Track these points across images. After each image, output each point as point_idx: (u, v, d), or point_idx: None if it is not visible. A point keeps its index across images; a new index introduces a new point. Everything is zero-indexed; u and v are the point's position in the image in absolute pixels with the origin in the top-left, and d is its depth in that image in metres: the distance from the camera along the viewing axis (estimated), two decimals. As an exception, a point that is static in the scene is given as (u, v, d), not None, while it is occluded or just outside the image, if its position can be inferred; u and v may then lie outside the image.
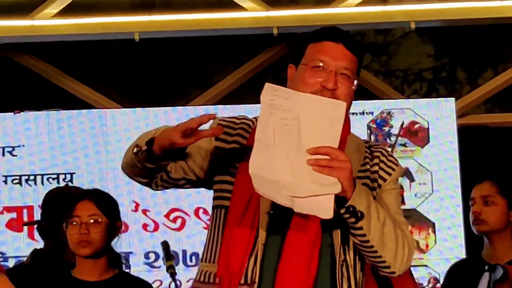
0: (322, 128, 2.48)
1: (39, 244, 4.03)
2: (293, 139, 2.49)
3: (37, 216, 4.96)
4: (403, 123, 5.25)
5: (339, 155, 2.41)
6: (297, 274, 2.59)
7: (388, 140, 5.20)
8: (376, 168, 2.69)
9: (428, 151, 5.13)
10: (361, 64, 2.61)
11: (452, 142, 5.28)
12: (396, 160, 2.75)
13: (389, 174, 2.69)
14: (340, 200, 2.45)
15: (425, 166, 4.96)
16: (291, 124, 2.51)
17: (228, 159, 2.71)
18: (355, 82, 2.54)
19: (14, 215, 5.21)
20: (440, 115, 5.25)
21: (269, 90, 2.46)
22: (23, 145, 5.43)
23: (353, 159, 2.60)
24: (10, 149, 5.40)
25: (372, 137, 5.25)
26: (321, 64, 2.48)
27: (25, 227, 5.24)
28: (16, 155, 5.36)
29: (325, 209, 2.43)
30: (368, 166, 2.71)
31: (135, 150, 2.64)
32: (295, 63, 2.57)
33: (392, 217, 2.64)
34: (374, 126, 5.27)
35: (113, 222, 3.40)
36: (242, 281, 2.59)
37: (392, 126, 5.22)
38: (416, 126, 5.17)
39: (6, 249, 5.27)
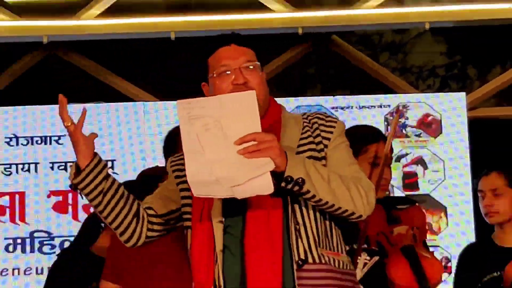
0: (241, 120, 2.56)
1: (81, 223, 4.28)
2: (219, 139, 2.56)
3: (80, 199, 5.29)
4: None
5: (264, 137, 2.50)
6: (264, 258, 2.66)
7: (403, 131, 5.26)
8: (317, 132, 2.74)
9: (440, 141, 5.23)
10: (255, 52, 2.68)
11: (463, 133, 5.40)
12: (334, 118, 2.82)
13: (331, 132, 2.75)
14: (279, 176, 2.53)
15: (438, 155, 5.00)
16: (213, 127, 2.58)
17: (185, 186, 2.77)
18: (261, 71, 2.64)
19: (60, 198, 5.31)
20: (452, 108, 5.36)
21: (183, 106, 2.55)
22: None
23: (293, 133, 2.74)
24: (56, 138, 5.52)
25: (389, 128, 5.25)
26: (224, 68, 2.57)
27: (70, 209, 5.39)
28: (62, 143, 5.47)
29: (265, 186, 2.51)
30: (309, 134, 2.76)
31: (74, 183, 2.64)
32: (206, 81, 2.66)
33: (339, 172, 2.73)
34: (391, 118, 5.32)
35: None
36: None
37: (407, 118, 5.30)
38: (430, 118, 5.30)
39: (52, 229, 5.39)
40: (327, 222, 2.68)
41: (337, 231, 2.74)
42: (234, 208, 2.60)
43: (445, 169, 5.20)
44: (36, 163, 5.46)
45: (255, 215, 2.61)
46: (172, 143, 3.85)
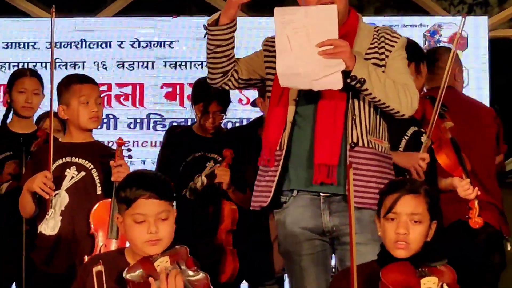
0: (323, 27, 2.76)
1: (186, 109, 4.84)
2: (304, 41, 2.77)
3: (187, 91, 5.46)
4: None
5: (340, 43, 2.71)
6: (328, 137, 2.93)
7: (437, 45, 5.33)
8: (383, 44, 2.92)
9: (466, 54, 5.37)
10: None
11: (484, 49, 5.57)
12: (398, 34, 3.00)
13: (393, 46, 2.92)
14: (347, 74, 2.74)
15: (464, 65, 4.94)
16: (300, 31, 2.79)
17: (270, 65, 3.00)
18: None
19: (170, 89, 5.62)
20: (476, 28, 5.52)
21: (278, 12, 2.80)
22: (178, 40, 5.68)
23: (364, 42, 2.92)
24: (169, 42, 5.69)
25: (426, 43, 5.46)
26: None
27: (178, 98, 5.65)
28: (173, 47, 5.68)
29: (336, 82, 2.76)
30: (376, 44, 2.94)
31: (208, 24, 2.93)
32: None
33: (394, 78, 2.89)
34: (428, 35, 5.48)
35: None
36: (278, 148, 2.94)
37: (441, 35, 5.44)
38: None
39: (164, 113, 5.65)
40: (377, 116, 2.95)
41: (384, 124, 2.99)
42: (309, 95, 2.88)
43: (468, 77, 5.22)
44: (153, 62, 5.66)
45: (325, 104, 2.86)
46: (199, 91, 4.00)
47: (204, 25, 2.97)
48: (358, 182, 2.85)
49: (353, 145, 2.92)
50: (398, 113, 2.93)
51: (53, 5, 3.35)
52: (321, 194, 2.90)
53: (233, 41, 2.99)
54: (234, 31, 2.98)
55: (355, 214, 2.60)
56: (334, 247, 2.99)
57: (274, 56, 2.84)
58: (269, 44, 2.96)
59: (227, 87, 3.15)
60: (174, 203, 2.53)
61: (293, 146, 2.96)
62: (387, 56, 2.93)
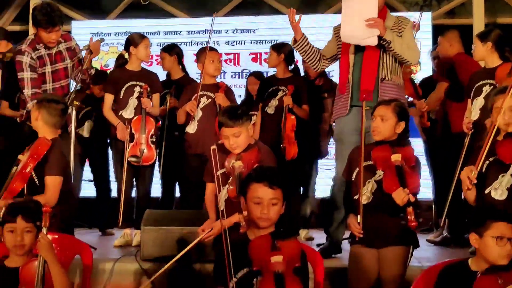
0: (369, 10, 3.98)
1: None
2: (358, 16, 3.98)
3: (264, 56, 7.04)
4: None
5: (378, 19, 3.94)
6: (370, 73, 4.18)
7: None
8: (400, 25, 4.21)
9: (419, 36, 5.48)
10: None
11: (428, 33, 6.69)
12: (408, 20, 4.23)
13: (405, 27, 4.20)
14: (380, 38, 4.00)
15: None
16: (357, 10, 4.00)
17: (339, 39, 4.24)
18: None
19: (254, 56, 7.25)
20: (424, 19, 5.96)
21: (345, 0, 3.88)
22: (258, 28, 7.16)
23: (389, 22, 4.20)
24: (253, 30, 7.29)
25: None
26: None
27: (258, 61, 7.21)
28: (255, 33, 7.30)
29: (374, 41, 4.05)
30: (396, 25, 4.21)
31: (292, 45, 4.33)
32: None
33: (407, 42, 4.10)
34: None
35: None
36: (347, 82, 4.22)
37: None
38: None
39: (252, 69, 6.94)
40: (397, 64, 4.26)
41: (400, 68, 4.26)
42: (359, 49, 4.20)
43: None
44: (244, 41, 7.30)
45: (367, 54, 4.24)
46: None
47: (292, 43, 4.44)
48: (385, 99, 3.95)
49: (382, 80, 4.22)
50: (408, 62, 4.26)
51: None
52: (363, 107, 3.89)
53: (309, 44, 4.40)
54: (307, 39, 4.35)
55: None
56: None
57: (340, 35, 4.19)
58: (336, 29, 4.35)
59: (324, 68, 4.60)
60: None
61: (352, 80, 4.23)
62: (402, 31, 4.21)
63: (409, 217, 3.45)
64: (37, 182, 4.12)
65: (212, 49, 5.30)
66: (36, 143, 4.15)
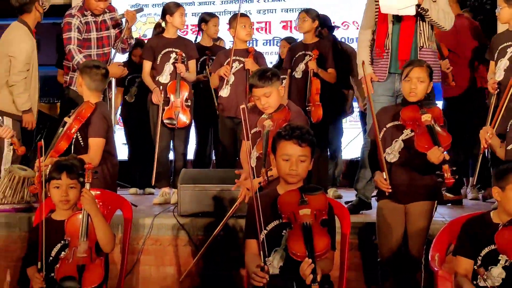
0: None
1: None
2: None
3: (293, 23, 7.22)
4: None
5: None
6: (407, 37, 4.25)
7: None
8: None
9: None
10: None
11: None
12: None
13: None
14: (418, 6, 4.04)
15: None
16: None
17: (377, 8, 4.27)
18: None
19: (284, 24, 7.31)
20: None
21: None
22: None
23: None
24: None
25: None
26: None
27: (288, 28, 7.29)
28: (285, 1, 7.37)
29: (412, 11, 4.07)
30: None
31: None
32: None
33: (442, 8, 4.12)
34: None
35: None
36: (384, 48, 4.33)
37: None
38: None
39: (281, 36, 6.88)
40: (432, 30, 4.34)
41: (434, 35, 4.38)
42: (397, 18, 4.25)
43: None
44: (275, 9, 7.38)
45: (405, 24, 4.27)
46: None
47: None
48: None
49: (420, 48, 4.34)
50: (444, 28, 4.35)
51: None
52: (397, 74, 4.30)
53: None
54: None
55: None
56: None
57: (378, 4, 4.29)
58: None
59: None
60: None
61: (391, 48, 4.32)
62: None
63: (445, 174, 3.47)
64: (82, 143, 4.26)
65: (243, 15, 5.40)
66: (81, 107, 4.30)
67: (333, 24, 6.27)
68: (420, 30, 4.30)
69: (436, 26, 4.34)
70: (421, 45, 4.33)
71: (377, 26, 4.45)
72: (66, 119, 4.35)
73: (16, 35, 5.18)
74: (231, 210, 4.04)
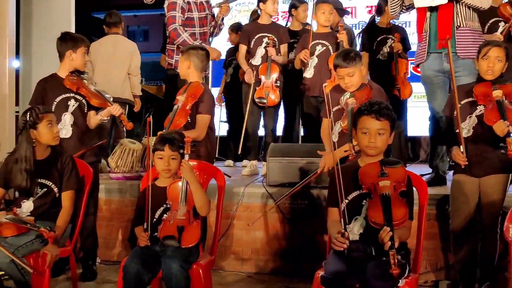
0: None
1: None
2: None
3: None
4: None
5: None
6: (445, 19, 4.15)
7: None
8: None
9: None
10: None
11: None
12: None
13: None
14: None
15: None
16: None
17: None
18: None
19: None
20: None
21: None
22: None
23: None
24: None
25: None
26: None
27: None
28: None
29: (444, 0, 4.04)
30: None
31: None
32: None
33: None
34: None
35: None
36: (423, 32, 4.22)
37: None
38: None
39: None
40: (470, 10, 4.27)
41: (474, 14, 4.23)
42: (435, 8, 4.24)
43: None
44: None
45: (442, 11, 4.23)
46: None
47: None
48: (462, 44, 4.14)
49: (457, 27, 4.30)
50: (481, 8, 4.31)
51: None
52: (443, 53, 4.25)
53: None
54: None
55: (461, 61, 4.02)
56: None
57: None
58: None
59: (402, 12, 4.61)
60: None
61: (430, 29, 4.33)
62: None
63: (509, 147, 3.43)
64: (189, 119, 4.42)
65: (323, 1, 5.45)
66: (192, 86, 4.44)
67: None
68: (457, 11, 4.26)
69: (472, 7, 4.28)
70: (458, 24, 4.28)
71: (417, 14, 4.46)
72: (178, 97, 4.48)
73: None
74: (309, 176, 4.13)
